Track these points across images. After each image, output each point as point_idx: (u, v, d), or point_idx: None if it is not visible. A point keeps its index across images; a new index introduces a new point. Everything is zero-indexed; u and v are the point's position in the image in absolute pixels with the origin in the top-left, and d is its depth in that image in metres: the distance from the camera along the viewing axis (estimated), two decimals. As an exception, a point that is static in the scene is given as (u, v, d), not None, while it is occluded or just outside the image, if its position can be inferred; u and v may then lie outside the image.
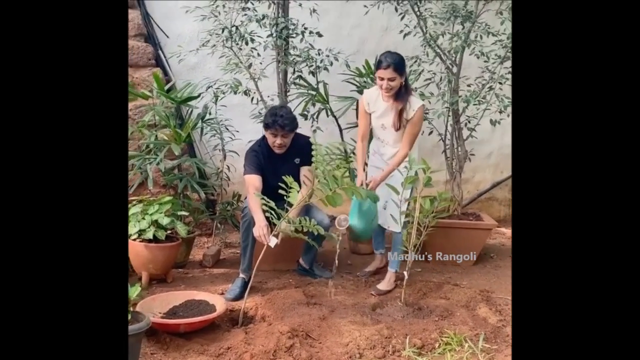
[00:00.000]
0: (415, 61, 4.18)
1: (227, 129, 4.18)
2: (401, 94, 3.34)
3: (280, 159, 3.43)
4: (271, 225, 3.14)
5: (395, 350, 2.78)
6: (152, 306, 2.88)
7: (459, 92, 4.22)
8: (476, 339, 2.91)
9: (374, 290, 3.57)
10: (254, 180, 3.33)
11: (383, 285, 3.59)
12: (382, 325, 3.00)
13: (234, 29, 3.77)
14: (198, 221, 4.00)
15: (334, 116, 4.23)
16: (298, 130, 3.48)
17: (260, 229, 3.12)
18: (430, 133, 4.46)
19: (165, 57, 4.67)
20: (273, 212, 3.04)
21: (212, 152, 4.45)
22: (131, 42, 4.54)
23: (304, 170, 3.40)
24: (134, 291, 2.39)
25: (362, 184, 3.43)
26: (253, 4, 3.85)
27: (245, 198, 3.53)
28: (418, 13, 4.16)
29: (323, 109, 4.14)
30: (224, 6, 3.82)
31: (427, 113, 4.21)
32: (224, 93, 3.87)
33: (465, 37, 4.11)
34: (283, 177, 3.01)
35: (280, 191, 3.02)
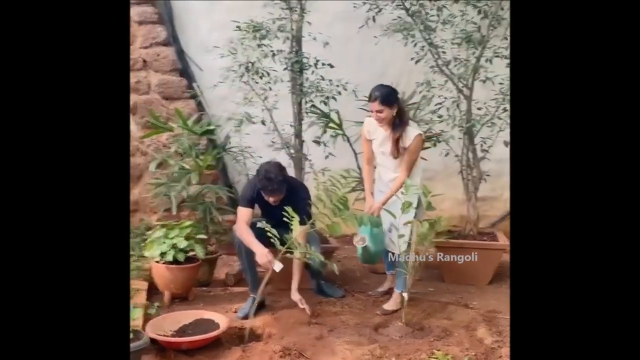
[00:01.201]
0: (426, 87, 4.33)
1: (252, 156, 4.48)
2: (396, 124, 3.53)
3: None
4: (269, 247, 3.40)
5: (382, 369, 2.96)
6: (162, 325, 3.19)
7: (472, 114, 4.33)
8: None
9: (379, 310, 3.74)
10: (244, 214, 3.57)
11: (389, 305, 3.75)
12: (376, 345, 3.17)
13: (250, 64, 4.07)
14: (221, 243, 4.30)
15: (349, 141, 4.43)
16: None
17: (263, 256, 3.37)
18: (447, 155, 4.57)
19: (199, 89, 5.04)
20: (277, 239, 3.28)
21: (238, 177, 4.78)
22: (166, 77, 4.97)
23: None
24: (135, 312, 2.71)
25: (370, 207, 3.65)
26: (270, 40, 4.13)
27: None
28: (429, 41, 4.30)
29: (336, 135, 4.35)
30: (242, 44, 4.11)
31: (440, 134, 4.36)
32: (241, 124, 4.16)
33: (477, 62, 4.23)
34: (280, 212, 3.28)
35: (284, 219, 3.28)
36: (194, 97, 4.86)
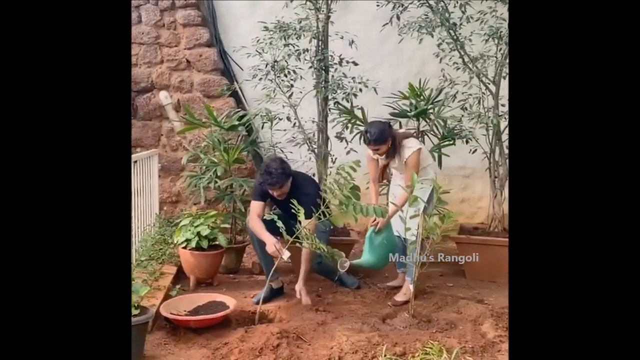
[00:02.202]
0: (449, 84, 4.36)
1: (282, 151, 4.68)
2: (389, 154, 3.78)
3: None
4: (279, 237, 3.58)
5: (374, 356, 3.05)
6: (178, 305, 3.45)
7: (498, 111, 4.32)
8: (462, 351, 3.09)
9: (391, 301, 3.83)
10: (256, 207, 3.79)
11: (400, 297, 3.84)
12: (375, 333, 3.27)
13: (275, 63, 4.27)
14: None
15: (373, 137, 4.53)
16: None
17: (271, 245, 3.57)
18: (475, 152, 4.58)
19: (240, 87, 5.31)
20: (284, 230, 3.47)
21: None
22: (208, 76, 5.29)
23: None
24: (143, 290, 2.98)
25: (374, 221, 3.75)
26: (296, 39, 4.31)
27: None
28: (455, 37, 4.33)
29: (359, 132, 4.47)
30: (271, 43, 4.32)
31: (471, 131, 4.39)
32: (269, 120, 4.37)
33: (502, 58, 4.22)
34: (289, 205, 3.47)
35: (292, 211, 3.46)
36: (221, 95, 5.11)
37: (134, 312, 2.88)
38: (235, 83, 5.27)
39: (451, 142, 4.52)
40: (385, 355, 3.00)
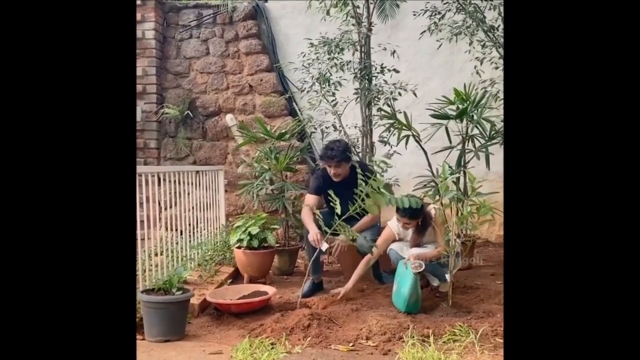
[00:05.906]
0: (491, 83, 4.42)
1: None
2: (420, 230, 3.83)
3: (341, 186, 3.94)
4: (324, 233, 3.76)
5: (400, 337, 3.12)
6: (225, 294, 3.72)
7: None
8: (493, 333, 3.09)
9: (437, 292, 3.88)
10: (310, 199, 4.06)
11: (444, 288, 3.86)
12: (408, 318, 3.34)
13: (320, 75, 4.57)
14: (301, 235, 4.76)
15: (418, 141, 4.64)
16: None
17: (313, 235, 3.79)
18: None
19: (297, 105, 5.66)
20: (323, 223, 3.67)
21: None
22: (268, 98, 5.68)
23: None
24: (185, 273, 3.29)
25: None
26: (340, 53, 4.60)
27: None
28: (494, 39, 4.42)
29: (405, 136, 4.60)
30: (317, 58, 4.63)
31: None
32: (315, 129, 4.65)
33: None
34: (347, 201, 3.59)
35: (330, 204, 3.64)
36: (281, 114, 5.45)
37: (177, 292, 3.19)
38: (294, 103, 5.62)
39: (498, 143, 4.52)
40: (412, 337, 3.07)
